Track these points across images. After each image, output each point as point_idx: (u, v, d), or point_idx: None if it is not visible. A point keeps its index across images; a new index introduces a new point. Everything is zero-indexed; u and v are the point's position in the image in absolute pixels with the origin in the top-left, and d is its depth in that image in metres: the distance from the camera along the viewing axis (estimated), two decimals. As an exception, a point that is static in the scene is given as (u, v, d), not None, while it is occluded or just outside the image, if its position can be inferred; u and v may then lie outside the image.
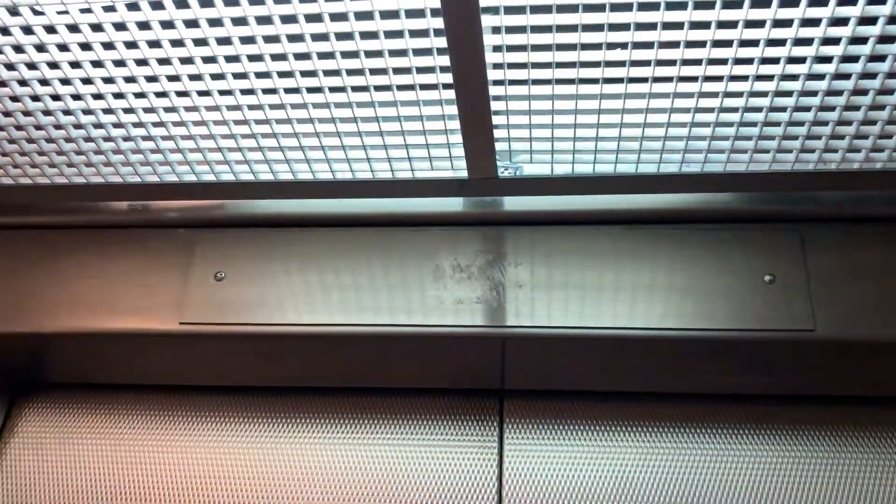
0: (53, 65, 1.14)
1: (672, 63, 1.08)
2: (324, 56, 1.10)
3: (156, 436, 1.57)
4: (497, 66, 1.11)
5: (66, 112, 1.24)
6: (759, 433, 1.47)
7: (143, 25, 1.07)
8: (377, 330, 1.37)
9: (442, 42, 1.05)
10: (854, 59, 1.06)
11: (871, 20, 1.01)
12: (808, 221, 1.36)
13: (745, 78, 1.10)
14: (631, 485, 1.45)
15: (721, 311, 1.31)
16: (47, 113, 1.24)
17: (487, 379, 1.53)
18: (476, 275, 1.39)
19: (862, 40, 1.03)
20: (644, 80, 1.12)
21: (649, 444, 1.48)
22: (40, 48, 1.12)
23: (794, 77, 1.09)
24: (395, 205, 1.44)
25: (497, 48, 1.08)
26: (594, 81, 1.13)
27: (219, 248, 1.45)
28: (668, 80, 1.11)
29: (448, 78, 1.11)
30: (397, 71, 1.12)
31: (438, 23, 1.02)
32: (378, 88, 1.16)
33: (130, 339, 1.43)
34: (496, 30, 1.05)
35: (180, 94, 1.19)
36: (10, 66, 1.15)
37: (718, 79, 1.11)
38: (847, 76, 1.09)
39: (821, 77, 1.09)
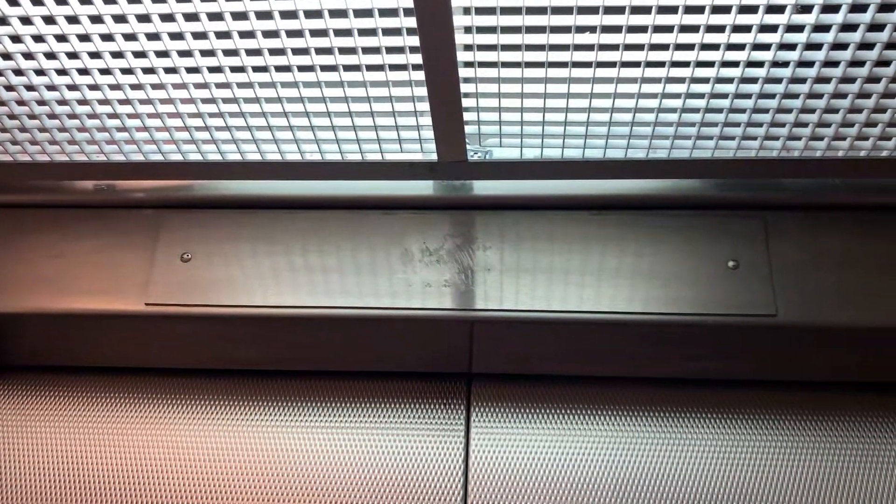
0: (16, 38, 1.12)
1: (640, 48, 1.09)
2: (292, 34, 1.10)
3: (120, 419, 1.55)
4: (467, 48, 1.11)
5: (30, 88, 1.21)
6: (723, 417, 1.49)
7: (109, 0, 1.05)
8: (345, 312, 1.37)
9: (412, 22, 1.05)
10: (817, 46, 1.08)
11: (834, 8, 1.02)
12: (772, 209, 1.38)
13: (710, 64, 1.11)
14: (596, 468, 1.47)
15: (685, 295, 1.33)
16: (9, 88, 1.22)
17: (455, 362, 1.54)
18: (445, 258, 1.39)
19: (825, 28, 1.05)
20: (612, 64, 1.13)
21: (615, 428, 1.49)
22: (2, 21, 1.10)
23: (759, 64, 1.11)
24: (364, 187, 1.43)
25: (467, 30, 1.08)
26: (563, 65, 1.13)
27: (185, 228, 1.43)
28: (636, 65, 1.12)
29: (418, 59, 1.11)
30: (366, 51, 1.12)
31: (408, 2, 1.02)
32: (347, 69, 1.15)
33: (95, 320, 1.41)
34: (466, 10, 1.05)
35: (146, 70, 1.17)
36: (-30, 39, 1.13)
37: (685, 64, 1.12)
38: (810, 64, 1.10)
39: (785, 65, 1.11)
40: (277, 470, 1.49)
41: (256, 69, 1.16)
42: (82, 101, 1.24)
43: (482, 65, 1.14)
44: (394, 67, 1.15)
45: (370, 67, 1.15)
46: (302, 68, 1.16)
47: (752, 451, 1.46)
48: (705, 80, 1.14)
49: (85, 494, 1.49)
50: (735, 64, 1.11)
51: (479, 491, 1.45)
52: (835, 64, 1.10)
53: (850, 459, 1.45)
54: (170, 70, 1.17)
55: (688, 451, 1.47)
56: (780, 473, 1.44)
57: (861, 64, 1.10)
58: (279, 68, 1.16)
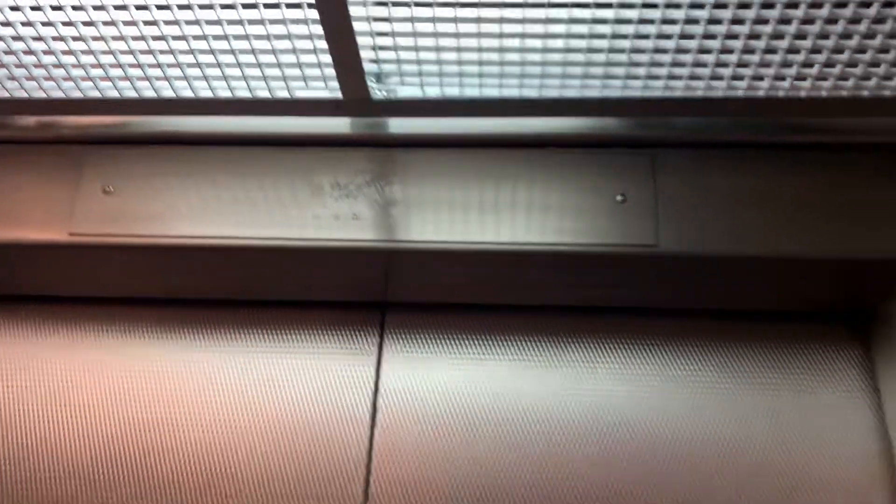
0: (-74, -25, 1.18)
1: (517, -11, 1.16)
2: (189, -27, 1.16)
3: (47, 346, 1.64)
4: (357, -13, 1.18)
5: (-55, 24, 1.27)
6: (614, 343, 1.60)
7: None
8: (264, 243, 1.45)
9: (300, -39, 1.11)
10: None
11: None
12: (662, 146, 1.46)
13: (587, 5, 1.19)
14: (501, 396, 1.57)
15: (577, 227, 1.41)
16: (-74, 24, 1.27)
17: (370, 292, 1.63)
18: (354, 193, 1.47)
19: (688, -29, 1.12)
20: (497, 4, 1.19)
21: (518, 355, 1.60)
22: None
23: (630, 6, 1.18)
24: (280, 124, 1.50)
25: (354, -31, 1.14)
26: (451, 5, 1.20)
27: (107, 163, 1.50)
28: (518, 5, 1.19)
29: (311, -3, 1.18)
30: (262, -10, 1.18)
31: (292, -58, 1.08)
32: (245, 7, 1.21)
33: (21, 250, 1.49)
34: (351, -49, 1.11)
35: (55, 7, 1.23)
36: None
37: (563, 5, 1.19)
38: (678, 5, 1.18)
39: (654, 6, 1.18)
40: (197, 392, 1.58)
41: (160, 7, 1.22)
42: (16, 38, 1.29)
43: (375, 3, 1.21)
44: (290, 6, 1.21)
45: (267, 6, 1.21)
46: (202, 6, 1.21)
47: (639, 376, 1.57)
48: (583, 21, 1.21)
49: (12, 421, 1.59)
50: (608, 5, 1.18)
51: (388, 410, 1.56)
52: (700, 6, 1.18)
53: (726, 386, 1.56)
54: (77, 7, 1.22)
55: (587, 376, 1.58)
56: (663, 398, 1.55)
57: (724, 6, 1.18)
58: (181, 6, 1.22)
